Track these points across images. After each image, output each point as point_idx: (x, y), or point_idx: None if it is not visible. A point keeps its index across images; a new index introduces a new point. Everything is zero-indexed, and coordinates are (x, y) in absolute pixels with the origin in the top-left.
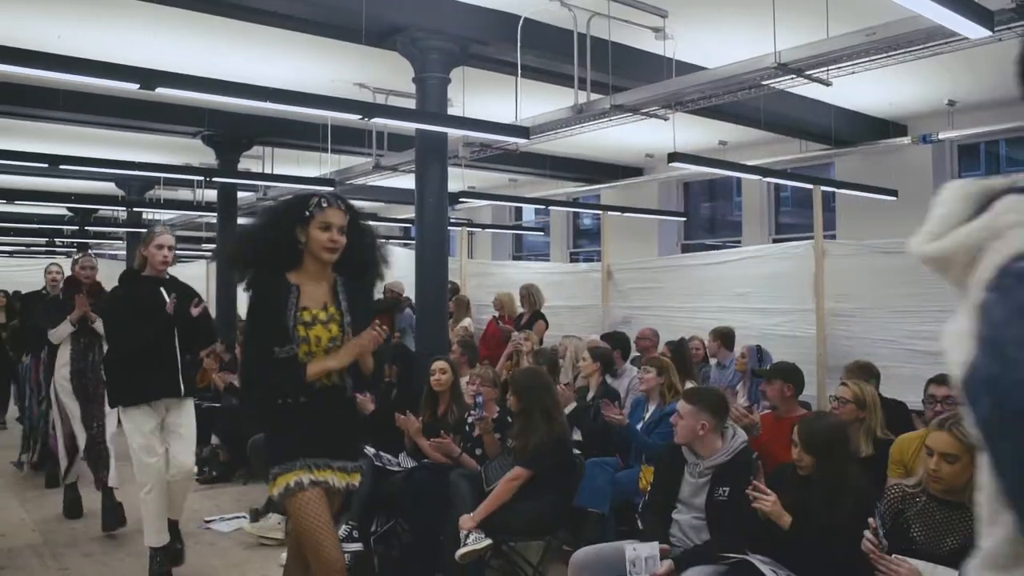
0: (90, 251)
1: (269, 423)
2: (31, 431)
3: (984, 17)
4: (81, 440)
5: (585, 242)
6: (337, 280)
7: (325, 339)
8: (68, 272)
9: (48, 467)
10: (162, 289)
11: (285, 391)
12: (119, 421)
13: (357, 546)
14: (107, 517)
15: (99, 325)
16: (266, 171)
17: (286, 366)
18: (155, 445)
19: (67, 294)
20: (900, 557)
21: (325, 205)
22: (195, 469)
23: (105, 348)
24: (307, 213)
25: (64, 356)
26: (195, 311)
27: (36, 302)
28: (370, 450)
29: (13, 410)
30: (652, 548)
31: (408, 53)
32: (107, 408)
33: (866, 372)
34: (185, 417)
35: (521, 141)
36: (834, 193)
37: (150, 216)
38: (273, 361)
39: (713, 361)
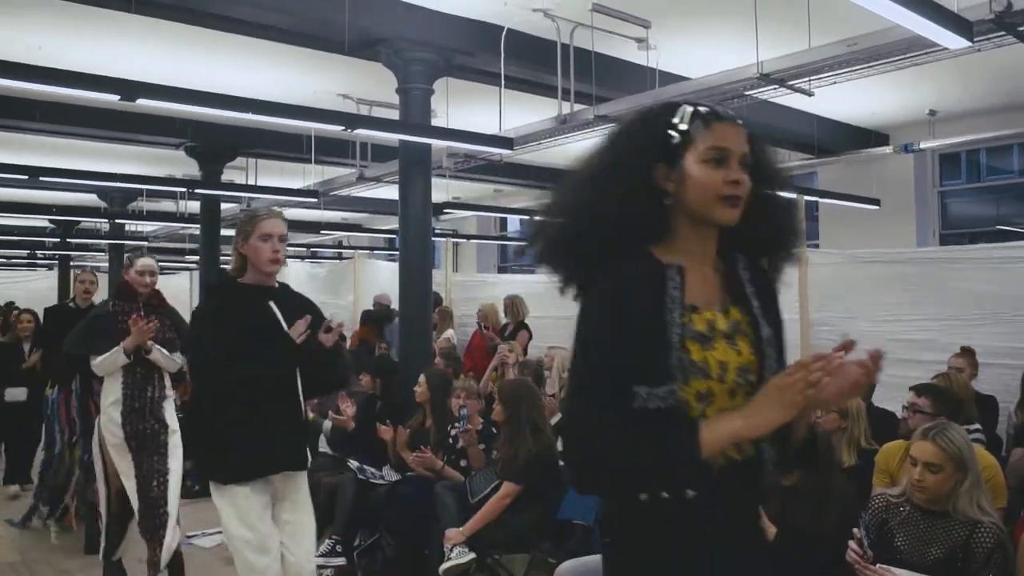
0: (149, 252)
1: (629, 544)
2: (51, 483)
3: (963, 27)
4: (135, 502)
5: None
6: (739, 261)
7: (732, 369)
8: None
9: (89, 524)
10: (272, 304)
11: (664, 478)
12: (185, 476)
13: (341, 560)
14: None
15: (156, 355)
16: (250, 182)
17: (663, 427)
18: (267, 539)
19: (119, 308)
20: (884, 567)
21: (711, 119)
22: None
23: (167, 381)
24: (674, 138)
25: (114, 392)
26: (328, 338)
27: (61, 316)
28: (353, 463)
29: None
30: None
31: (391, 64)
32: (171, 464)
33: None
34: (302, 498)
35: (505, 152)
36: (817, 202)
37: (133, 228)
38: (637, 416)
39: None
